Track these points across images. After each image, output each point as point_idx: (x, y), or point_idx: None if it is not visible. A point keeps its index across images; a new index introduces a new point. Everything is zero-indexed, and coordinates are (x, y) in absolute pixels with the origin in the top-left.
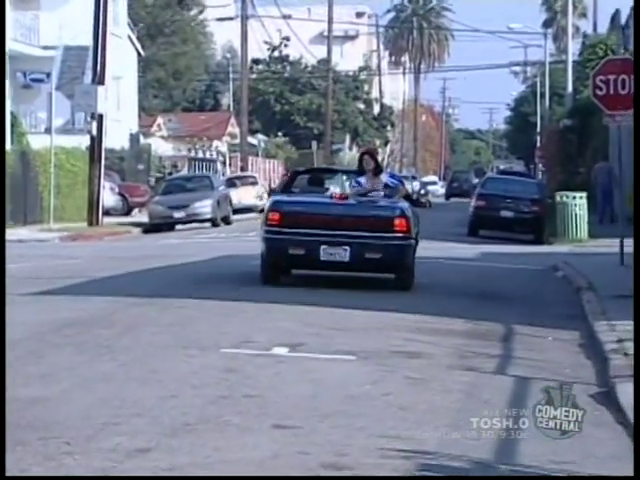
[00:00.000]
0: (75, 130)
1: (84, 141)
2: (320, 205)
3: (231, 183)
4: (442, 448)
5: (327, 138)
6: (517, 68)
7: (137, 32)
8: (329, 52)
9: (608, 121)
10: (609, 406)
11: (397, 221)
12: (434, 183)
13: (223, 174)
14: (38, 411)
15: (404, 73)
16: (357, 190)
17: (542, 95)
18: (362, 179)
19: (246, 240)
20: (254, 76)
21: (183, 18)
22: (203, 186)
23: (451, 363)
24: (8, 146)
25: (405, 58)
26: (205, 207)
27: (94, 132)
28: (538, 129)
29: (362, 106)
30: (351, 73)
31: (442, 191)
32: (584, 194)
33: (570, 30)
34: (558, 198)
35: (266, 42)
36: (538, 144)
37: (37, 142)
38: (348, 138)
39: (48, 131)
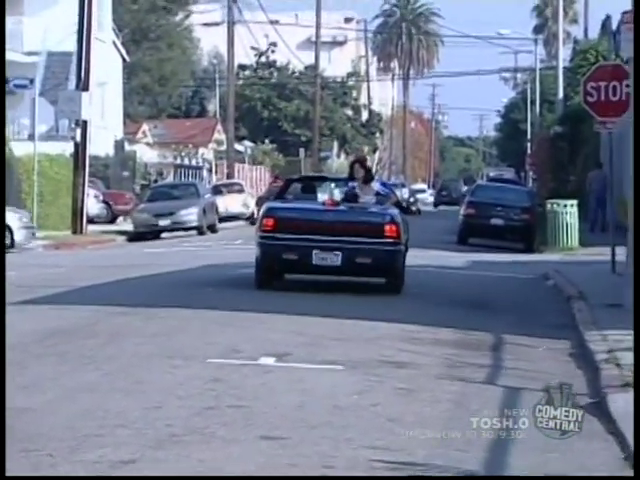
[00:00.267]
0: (59, 137)
1: (68, 148)
2: (313, 211)
3: (217, 190)
4: (431, 460)
5: (315, 145)
6: (507, 74)
7: (122, 37)
8: (317, 58)
9: (599, 128)
10: (600, 417)
11: (387, 227)
12: (423, 191)
13: (209, 181)
14: (22, 422)
15: (393, 79)
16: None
17: (532, 102)
18: (354, 185)
19: (232, 248)
20: (241, 82)
21: (168, 23)
22: (189, 194)
23: (440, 373)
24: None
25: (394, 64)
26: (191, 215)
27: (78, 139)
28: (529, 136)
29: (350, 113)
30: (339, 79)
31: (431, 199)
32: (575, 202)
33: (561, 36)
34: (549, 206)
35: (253, 48)
36: (529, 151)
37: (20, 149)
38: (336, 145)
39: (31, 138)
